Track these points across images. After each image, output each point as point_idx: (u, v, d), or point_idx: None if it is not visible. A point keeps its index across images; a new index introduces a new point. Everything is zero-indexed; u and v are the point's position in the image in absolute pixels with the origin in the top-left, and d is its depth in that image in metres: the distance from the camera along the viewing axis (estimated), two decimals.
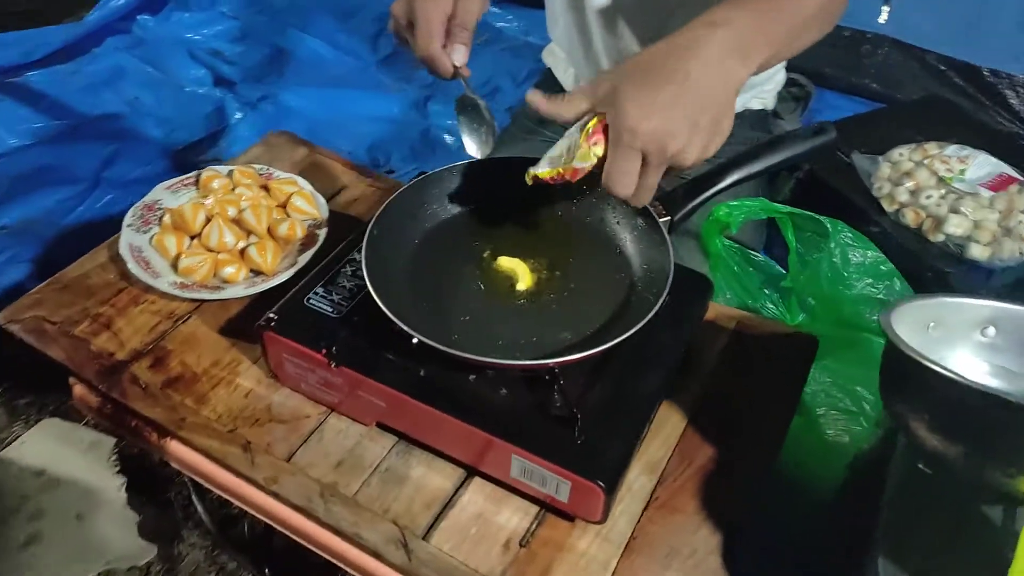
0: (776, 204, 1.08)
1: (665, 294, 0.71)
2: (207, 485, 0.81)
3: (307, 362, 0.76)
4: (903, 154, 1.35)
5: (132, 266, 0.89)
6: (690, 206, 0.79)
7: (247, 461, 0.76)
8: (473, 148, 0.83)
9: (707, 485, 0.75)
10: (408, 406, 0.73)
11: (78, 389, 0.86)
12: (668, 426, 0.80)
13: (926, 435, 0.55)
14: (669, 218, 0.78)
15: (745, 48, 0.67)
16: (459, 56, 0.79)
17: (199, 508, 1.14)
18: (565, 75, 1.35)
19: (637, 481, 0.75)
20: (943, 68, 2.06)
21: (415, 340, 0.70)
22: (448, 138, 2.03)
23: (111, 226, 0.96)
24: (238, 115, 2.03)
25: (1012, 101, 2.00)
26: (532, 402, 0.71)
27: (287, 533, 0.77)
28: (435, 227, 0.84)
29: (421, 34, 0.75)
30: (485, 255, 0.81)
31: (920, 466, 0.55)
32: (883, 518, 0.60)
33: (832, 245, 1.07)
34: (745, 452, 0.78)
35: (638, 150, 0.64)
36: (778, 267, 1.16)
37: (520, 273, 0.79)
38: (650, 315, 0.69)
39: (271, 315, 0.77)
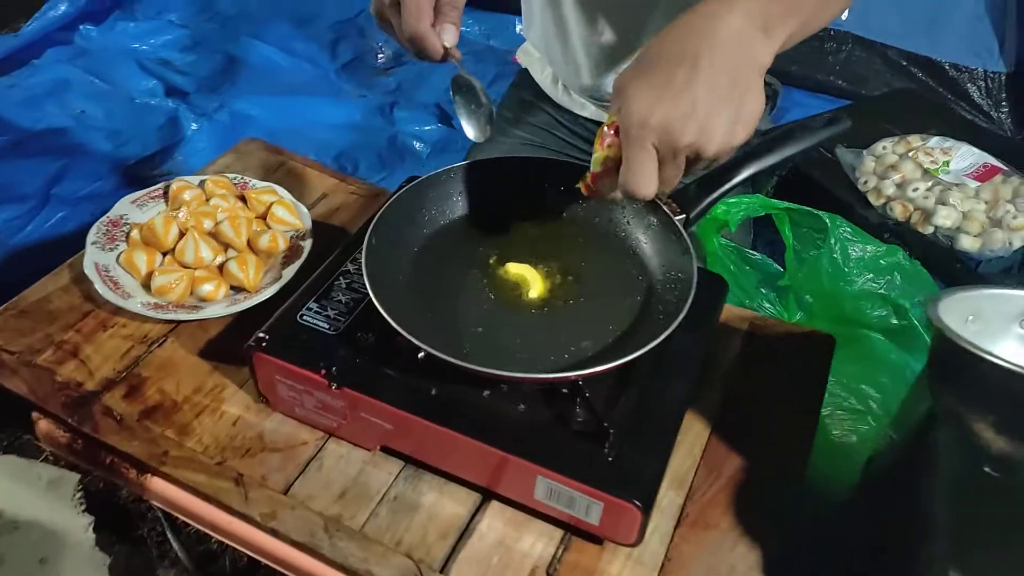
0: (774, 200, 1.05)
1: (691, 296, 0.66)
2: (196, 525, 0.74)
3: (303, 384, 0.70)
4: (886, 147, 1.35)
5: (99, 287, 0.81)
6: (705, 202, 0.75)
7: (240, 496, 0.69)
8: (472, 131, 0.77)
9: (739, 498, 0.71)
10: (418, 427, 0.67)
11: (43, 424, 0.77)
12: (691, 436, 0.76)
13: (992, 437, 0.51)
14: (684, 216, 0.74)
15: (767, 21, 0.61)
16: (449, 36, 0.72)
17: (175, 545, 1.06)
18: (543, 75, 1.30)
19: (665, 497, 0.70)
20: (905, 63, 2.09)
21: (422, 354, 0.65)
22: (418, 145, 1.97)
23: (66, 245, 0.88)
24: (194, 126, 1.94)
25: (973, 94, 2.04)
26: (553, 417, 0.66)
27: (288, 574, 0.71)
28: (435, 233, 0.78)
29: (408, 12, 0.68)
30: (491, 261, 0.76)
31: (986, 470, 0.52)
32: (940, 525, 0.56)
33: (832, 240, 1.05)
34: (774, 461, 0.74)
35: (650, 145, 0.59)
36: (775, 265, 1.13)
37: (531, 280, 0.74)
38: (678, 319, 0.64)
39: (261, 334, 0.71)
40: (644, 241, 0.77)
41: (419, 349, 0.67)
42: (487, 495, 0.70)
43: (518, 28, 2.46)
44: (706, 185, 0.75)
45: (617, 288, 0.74)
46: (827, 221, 1.05)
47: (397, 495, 0.70)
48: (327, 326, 0.72)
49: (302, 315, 0.73)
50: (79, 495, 1.19)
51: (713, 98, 0.57)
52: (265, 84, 2.20)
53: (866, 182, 1.32)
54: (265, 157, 1.07)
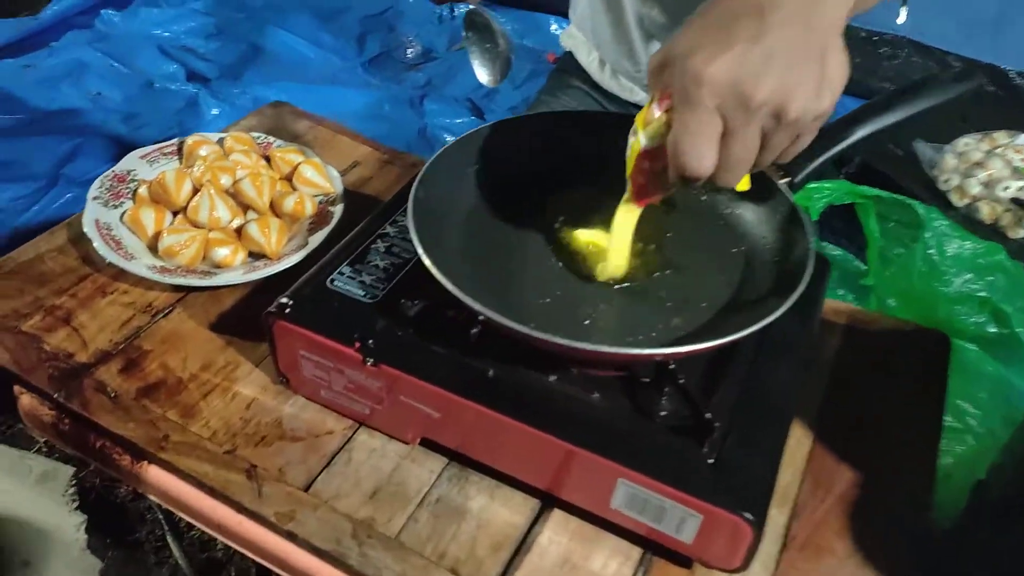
0: (861, 187, 0.93)
1: (810, 268, 0.55)
2: (199, 525, 0.62)
3: (333, 360, 0.59)
4: (969, 144, 1.23)
5: (99, 245, 0.70)
6: (814, 165, 0.63)
7: (252, 491, 0.58)
8: (484, 75, 0.65)
9: (856, 519, 0.58)
10: (469, 414, 0.55)
11: (26, 400, 0.66)
12: (791, 442, 0.63)
13: None
14: (789, 179, 0.63)
15: None
16: None
17: (175, 550, 0.94)
18: (589, 59, 1.20)
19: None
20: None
21: (475, 330, 0.54)
22: (448, 137, 1.87)
23: None
24: (215, 111, 1.85)
25: None
26: (635, 409, 0.54)
27: None
28: (491, 191, 0.67)
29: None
30: (558, 226, 0.65)
31: None
32: None
33: (927, 235, 0.93)
34: (893, 477, 0.62)
35: (709, 105, 0.44)
36: (856, 261, 1.01)
37: (607, 248, 0.62)
38: (795, 294, 0.52)
39: (284, 300, 0.59)
40: (741, 207, 0.65)
41: (473, 323, 0.56)
42: (548, 502, 0.58)
43: (552, 27, 2.36)
44: (814, 145, 0.64)
45: (709, 260, 0.63)
46: (922, 212, 0.93)
47: (440, 497, 0.58)
48: (362, 293, 0.60)
49: (332, 280, 0.61)
50: (72, 491, 1.07)
51: (790, 50, 0.43)
52: (290, 73, 2.11)
53: (947, 180, 1.20)
54: (292, 121, 0.96)
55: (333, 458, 0.61)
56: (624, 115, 0.69)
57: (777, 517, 0.58)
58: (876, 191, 0.93)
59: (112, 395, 0.64)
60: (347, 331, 0.57)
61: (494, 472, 0.59)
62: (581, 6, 1.17)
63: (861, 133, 0.63)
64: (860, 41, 2.04)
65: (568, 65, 1.25)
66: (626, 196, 0.55)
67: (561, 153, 0.69)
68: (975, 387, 0.94)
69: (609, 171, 0.69)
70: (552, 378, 0.56)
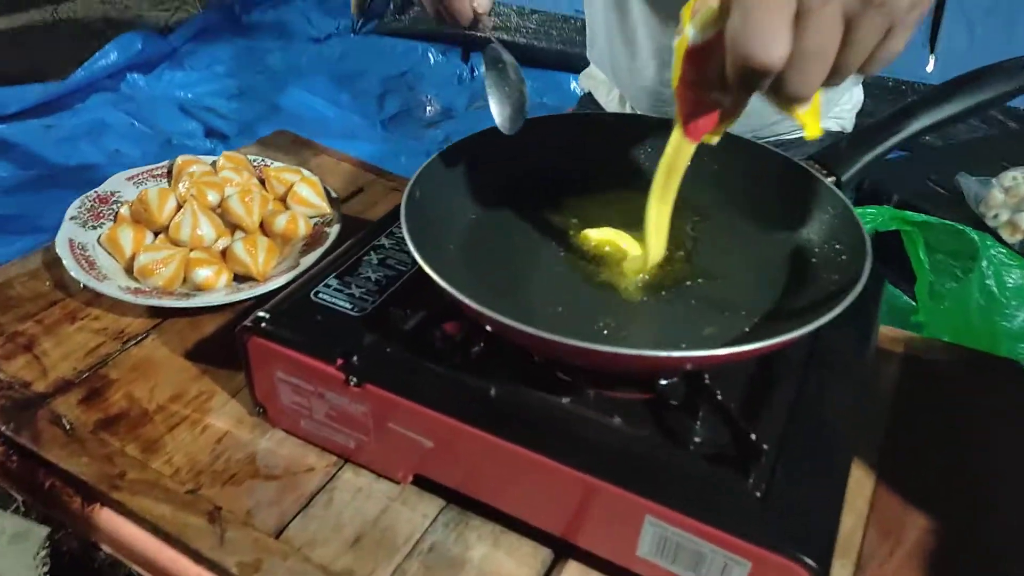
0: (906, 212, 0.85)
1: (867, 268, 0.46)
2: None
3: (313, 382, 0.51)
4: (1017, 177, 1.15)
5: (70, 264, 0.64)
6: (862, 162, 0.56)
7: (214, 536, 0.49)
8: (498, 116, 0.59)
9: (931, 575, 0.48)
10: (467, 443, 0.47)
11: None
12: (850, 483, 0.53)
13: None
14: (835, 178, 0.55)
15: None
16: (482, 1, 0.57)
17: None
18: (608, 98, 1.15)
19: None
20: (1000, 117, 1.90)
21: (477, 348, 0.46)
22: None
23: None
24: None
25: None
26: (663, 434, 0.46)
27: None
28: (493, 193, 0.60)
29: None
30: (567, 229, 0.57)
31: None
32: None
33: (984, 264, 0.84)
34: (974, 527, 0.52)
35: None
36: (905, 297, 0.92)
37: (628, 250, 0.54)
38: (850, 296, 0.44)
39: (261, 313, 0.52)
40: (780, 207, 0.57)
41: (474, 339, 0.48)
42: (562, 551, 0.49)
43: (572, 86, 2.35)
44: (861, 142, 0.57)
45: (746, 267, 0.54)
46: (976, 240, 0.85)
47: (434, 545, 0.49)
48: (349, 306, 0.53)
49: (317, 292, 0.54)
50: (44, 553, 0.98)
51: None
52: (308, 130, 2.08)
53: (996, 215, 1.12)
54: (296, 148, 0.91)
55: (311, 499, 0.52)
56: (631, 115, 0.63)
57: (839, 570, 0.48)
58: (924, 217, 0.85)
59: (67, 428, 0.56)
60: (329, 347, 0.50)
61: (498, 516, 0.50)
62: (599, 42, 1.13)
63: (916, 127, 0.56)
64: (888, 90, 1.99)
65: (587, 105, 1.20)
66: (675, 129, 0.46)
67: (567, 155, 0.63)
68: None
69: (631, 175, 0.62)
70: (565, 400, 0.48)
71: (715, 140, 0.46)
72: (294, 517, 0.51)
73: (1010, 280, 0.84)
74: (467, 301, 0.43)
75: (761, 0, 0.35)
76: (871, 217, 0.85)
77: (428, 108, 2.29)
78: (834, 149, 0.56)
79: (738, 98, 0.41)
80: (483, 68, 0.60)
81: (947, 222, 0.85)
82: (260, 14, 2.78)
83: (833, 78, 0.37)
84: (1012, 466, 0.56)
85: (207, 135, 1.99)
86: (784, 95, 0.36)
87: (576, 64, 1.32)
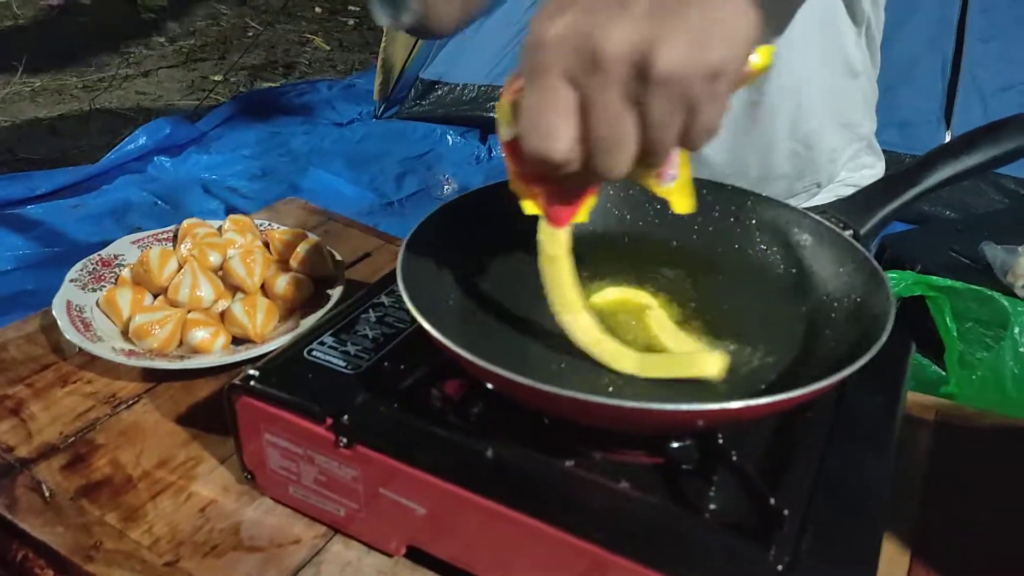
0: (931, 277, 0.82)
1: (891, 321, 0.43)
2: None
3: (302, 444, 0.48)
4: None
5: (64, 325, 0.62)
6: (882, 214, 0.54)
7: None
8: (386, 17, 0.60)
9: None
10: (463, 510, 0.43)
11: None
12: (882, 562, 0.48)
13: None
14: (852, 231, 0.53)
15: None
16: None
17: None
18: None
19: None
20: (1022, 191, 1.88)
21: (477, 408, 0.43)
22: None
23: None
24: None
25: None
26: (673, 499, 0.42)
27: None
28: (498, 247, 0.58)
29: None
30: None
31: None
32: None
33: (1016, 331, 0.80)
34: None
35: (553, 70, 0.34)
36: (934, 366, 0.88)
37: (635, 303, 0.52)
38: (874, 349, 0.41)
39: (251, 371, 0.50)
40: (796, 262, 0.55)
41: (473, 400, 0.45)
42: None
43: None
44: (881, 191, 0.55)
45: (759, 321, 0.52)
46: (1007, 305, 0.81)
47: None
48: (344, 364, 0.50)
49: (311, 350, 0.52)
50: None
51: None
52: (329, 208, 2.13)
53: None
54: (304, 215, 0.91)
55: (296, 573, 0.48)
56: None
57: None
58: (949, 282, 0.82)
59: (46, 495, 0.53)
60: (319, 406, 0.47)
61: None
62: None
63: (936, 178, 0.54)
64: (907, 165, 1.99)
65: None
66: (540, 221, 0.43)
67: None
68: None
69: (636, 229, 0.60)
70: (568, 463, 0.44)
71: (584, 218, 0.42)
72: None
73: None
74: (463, 353, 0.41)
75: (539, 98, 0.34)
76: (893, 282, 0.82)
77: (446, 187, 2.32)
78: (851, 202, 0.54)
79: (578, 181, 0.38)
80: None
81: (975, 287, 0.82)
82: (287, 102, 2.87)
83: (650, 158, 0.35)
84: None
85: (227, 213, 2.02)
86: (595, 177, 0.35)
87: None
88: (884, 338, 0.41)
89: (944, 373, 0.88)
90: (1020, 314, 0.81)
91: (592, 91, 0.33)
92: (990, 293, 0.81)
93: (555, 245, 0.43)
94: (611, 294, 0.53)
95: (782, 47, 0.77)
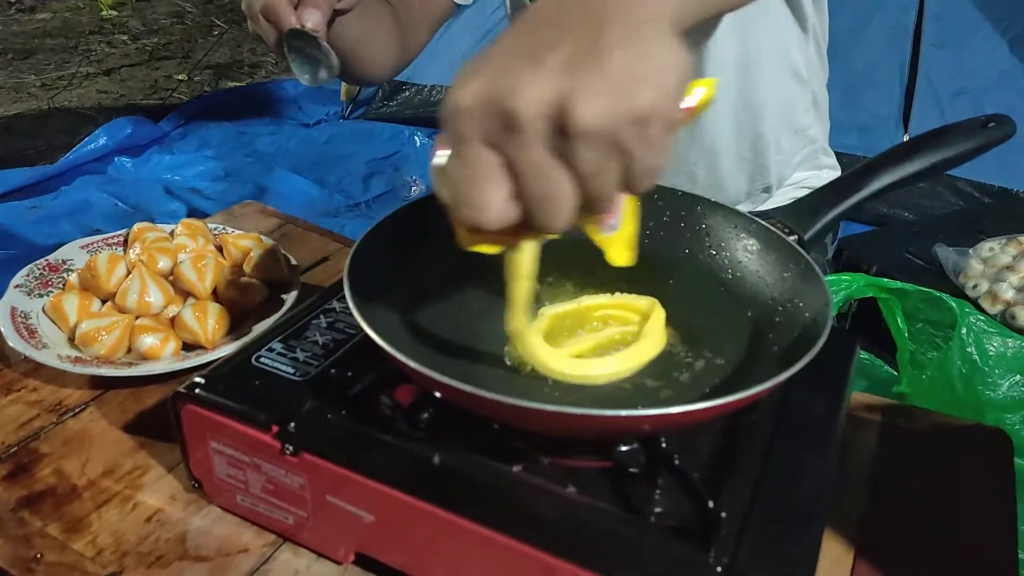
0: (883, 279, 0.84)
1: (829, 324, 0.44)
2: None
3: (248, 451, 0.47)
4: (994, 248, 1.14)
5: (8, 332, 0.61)
6: (826, 219, 0.55)
7: None
8: (305, 76, 0.66)
9: None
10: (410, 516, 0.43)
11: None
12: (826, 561, 0.50)
13: None
14: (796, 236, 0.54)
15: None
16: (312, 19, 0.62)
17: None
18: None
19: None
20: (976, 194, 1.93)
21: (427, 414, 0.43)
22: None
23: None
24: None
25: None
26: (619, 503, 0.42)
27: None
28: (450, 255, 0.57)
29: None
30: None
31: None
32: None
33: (963, 332, 0.82)
34: None
35: (472, 136, 0.33)
36: (886, 367, 0.90)
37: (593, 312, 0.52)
38: (810, 355, 0.42)
39: (197, 379, 0.49)
40: (742, 270, 0.56)
41: (423, 406, 0.45)
42: None
43: None
44: (825, 197, 0.55)
45: (706, 326, 0.52)
46: (954, 307, 0.83)
47: None
48: (292, 370, 0.50)
49: (259, 356, 0.51)
50: None
51: (568, 50, 0.32)
52: (293, 210, 2.10)
53: (976, 286, 1.11)
54: (262, 219, 0.90)
55: None
56: None
57: None
58: (900, 284, 0.84)
59: None
60: (265, 412, 0.47)
61: None
62: None
63: (877, 185, 0.55)
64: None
65: None
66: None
67: None
68: None
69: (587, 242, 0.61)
70: (516, 468, 0.44)
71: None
72: None
73: (991, 348, 0.82)
74: (408, 361, 0.41)
75: (463, 168, 0.34)
76: (845, 284, 0.83)
77: (413, 188, 2.31)
78: (796, 207, 0.55)
79: (524, 232, 0.37)
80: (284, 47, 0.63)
81: (924, 289, 0.83)
82: (252, 101, 2.84)
83: (593, 206, 0.34)
84: (997, 536, 0.52)
85: (190, 215, 2.00)
86: (538, 231, 0.35)
87: None
88: (820, 343, 0.42)
89: (896, 373, 0.89)
90: (967, 315, 0.83)
91: (514, 153, 0.33)
92: (938, 295, 0.83)
93: (518, 267, 0.43)
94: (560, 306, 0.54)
95: (728, 53, 0.78)
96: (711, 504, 0.38)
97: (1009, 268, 1.09)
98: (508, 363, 0.49)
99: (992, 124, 0.56)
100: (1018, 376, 0.82)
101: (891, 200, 1.96)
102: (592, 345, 0.50)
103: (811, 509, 0.43)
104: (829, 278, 0.83)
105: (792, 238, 0.53)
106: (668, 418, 0.39)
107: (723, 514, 0.38)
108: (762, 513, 0.41)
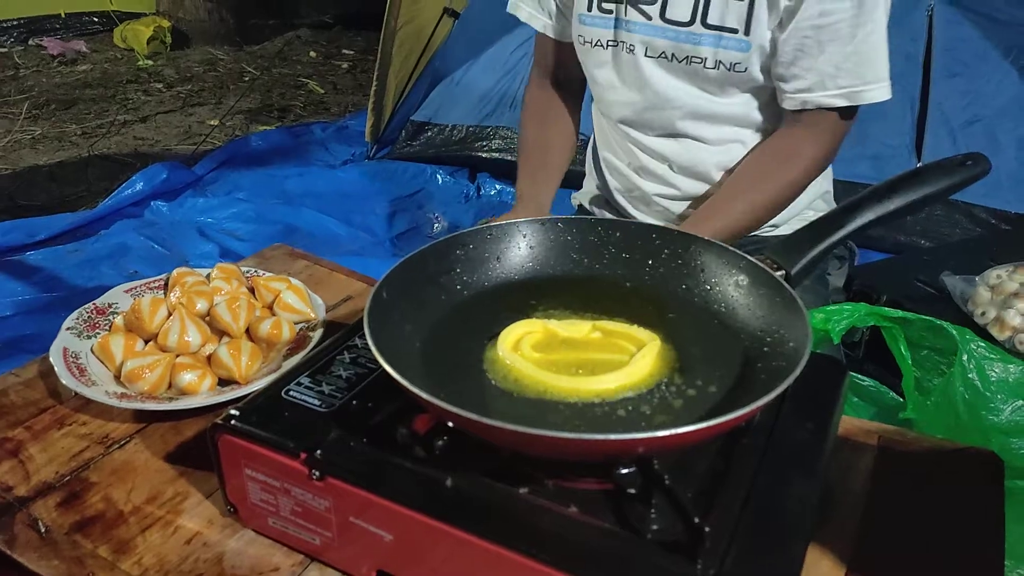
0: (885, 308, 0.87)
1: (807, 352, 0.48)
2: None
3: (279, 477, 0.52)
4: (1002, 275, 1.16)
5: (61, 371, 0.67)
6: (811, 255, 0.58)
7: None
8: None
9: None
10: (427, 536, 0.47)
11: None
12: None
13: None
14: (784, 272, 0.58)
15: None
16: None
17: None
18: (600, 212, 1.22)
19: None
20: (993, 221, 1.94)
21: (442, 441, 0.47)
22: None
23: None
24: None
25: None
26: (616, 522, 0.46)
27: None
28: (466, 299, 0.63)
29: None
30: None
31: None
32: None
33: (964, 358, 0.84)
34: None
35: None
36: (891, 393, 0.92)
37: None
38: (786, 382, 0.45)
39: (232, 411, 0.54)
40: (734, 303, 0.59)
41: (438, 434, 0.49)
42: None
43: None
44: (812, 235, 0.59)
45: (701, 354, 0.56)
46: (955, 334, 0.85)
47: None
48: (318, 403, 0.55)
49: (288, 390, 0.56)
50: None
51: None
52: (320, 248, 2.17)
53: (984, 313, 1.13)
54: (290, 261, 0.96)
55: None
56: (600, 219, 0.66)
57: None
58: (900, 312, 0.87)
59: (43, 531, 0.57)
60: (294, 442, 0.51)
61: None
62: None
63: (860, 222, 0.59)
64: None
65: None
66: None
67: (547, 259, 0.65)
68: None
69: (594, 278, 0.65)
70: (523, 491, 0.48)
71: None
72: None
73: (993, 374, 0.84)
74: (419, 392, 0.45)
75: None
76: (848, 313, 0.86)
77: (436, 225, 2.37)
78: (784, 245, 0.59)
79: None
80: None
81: (925, 317, 0.86)
82: (282, 145, 2.94)
83: None
84: (985, 554, 0.54)
85: (222, 255, 2.07)
86: None
87: (572, 180, 1.40)
88: (796, 372, 0.45)
89: (902, 400, 0.92)
90: (967, 342, 0.85)
91: None
92: (939, 323, 0.86)
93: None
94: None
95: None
96: (696, 520, 0.42)
97: (1016, 295, 1.11)
98: (513, 393, 0.53)
99: (969, 162, 0.60)
100: (1020, 401, 0.84)
101: (908, 228, 1.98)
102: (578, 360, 0.55)
103: (796, 524, 0.46)
104: (831, 308, 0.86)
105: (779, 273, 0.57)
106: (658, 440, 0.43)
107: (707, 528, 0.41)
108: (749, 528, 0.45)
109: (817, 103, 0.86)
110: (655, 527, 0.45)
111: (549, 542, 0.45)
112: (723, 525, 0.44)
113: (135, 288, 0.80)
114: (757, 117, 0.93)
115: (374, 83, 2.70)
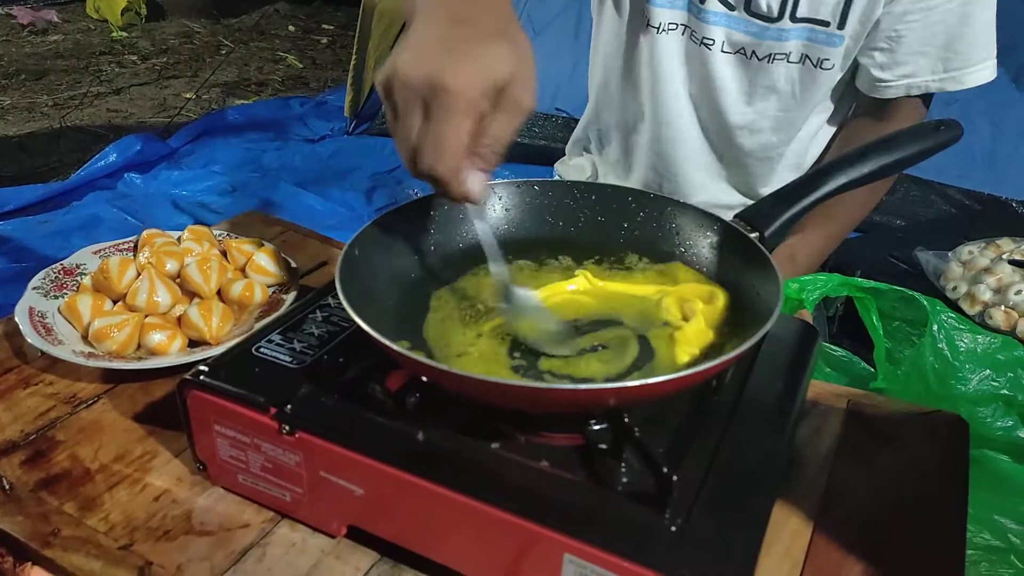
0: (857, 279, 0.88)
1: (778, 308, 0.48)
2: None
3: (249, 433, 0.51)
4: (973, 252, 1.18)
5: (26, 330, 0.66)
6: (784, 218, 0.58)
7: None
8: None
9: None
10: (400, 489, 0.47)
11: None
12: (786, 533, 0.53)
13: None
14: (758, 233, 0.58)
15: None
16: (475, 184, 0.51)
17: None
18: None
19: None
20: (967, 202, 1.96)
21: (413, 398, 0.47)
22: None
23: None
24: None
25: None
26: (587, 475, 0.46)
27: None
28: (441, 260, 0.62)
29: (432, 148, 0.48)
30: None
31: None
32: None
33: (935, 328, 0.86)
34: (912, 573, 0.51)
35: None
36: (863, 363, 0.93)
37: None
38: (757, 336, 0.46)
39: (202, 367, 0.53)
40: (708, 264, 0.60)
41: (410, 391, 0.49)
42: None
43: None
44: (785, 198, 0.59)
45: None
46: (926, 305, 0.86)
47: None
48: (289, 359, 0.54)
49: (259, 347, 0.56)
50: None
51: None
52: (299, 223, 2.15)
53: (955, 288, 1.14)
54: (264, 227, 0.94)
55: (244, 554, 0.52)
56: (580, 183, 0.66)
57: None
58: (872, 283, 0.87)
59: (7, 487, 0.56)
60: (264, 397, 0.51)
61: (432, 568, 0.50)
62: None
63: (832, 185, 0.59)
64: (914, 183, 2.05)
65: None
66: None
67: (525, 221, 0.65)
68: (1013, 500, 0.83)
69: (570, 239, 0.65)
70: (495, 446, 0.48)
71: None
72: (225, 572, 0.50)
73: (962, 344, 0.86)
74: (390, 345, 0.45)
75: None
76: (821, 283, 0.87)
77: None
78: (758, 207, 0.59)
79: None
80: None
81: (896, 288, 0.87)
82: (259, 119, 2.90)
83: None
84: (948, 513, 0.55)
85: None
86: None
87: (556, 157, 1.42)
88: (768, 326, 0.45)
89: (874, 370, 0.93)
90: (938, 312, 0.86)
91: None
92: (911, 293, 0.87)
93: None
94: (542, 292, 0.58)
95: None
96: (665, 469, 0.42)
97: (987, 271, 1.13)
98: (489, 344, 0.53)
99: (943, 127, 0.60)
100: (988, 371, 0.85)
101: (883, 208, 1.99)
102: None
103: (762, 479, 0.46)
104: (806, 278, 0.87)
105: (754, 235, 0.57)
106: (628, 391, 0.43)
107: (675, 478, 0.41)
108: (716, 482, 0.45)
109: (925, 88, 0.82)
110: (625, 480, 0.45)
111: (520, 495, 0.45)
112: (691, 478, 0.44)
113: (104, 249, 0.78)
114: (800, 129, 0.95)
115: (353, 58, 2.67)
